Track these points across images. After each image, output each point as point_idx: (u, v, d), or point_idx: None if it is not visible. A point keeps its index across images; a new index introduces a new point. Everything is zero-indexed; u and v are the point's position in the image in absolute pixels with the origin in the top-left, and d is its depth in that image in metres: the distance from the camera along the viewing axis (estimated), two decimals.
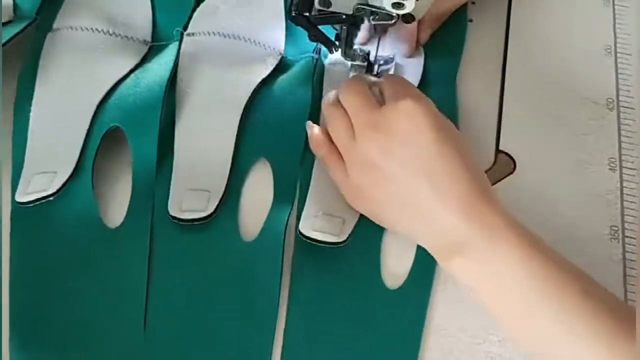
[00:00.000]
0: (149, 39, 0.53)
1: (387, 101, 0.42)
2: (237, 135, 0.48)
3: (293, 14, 0.46)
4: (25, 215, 0.44)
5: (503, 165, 0.49)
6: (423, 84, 0.51)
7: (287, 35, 0.53)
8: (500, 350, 0.42)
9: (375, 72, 0.51)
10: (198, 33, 0.52)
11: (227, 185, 0.46)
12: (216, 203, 0.45)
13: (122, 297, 0.42)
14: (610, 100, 0.52)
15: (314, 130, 0.46)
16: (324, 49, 0.52)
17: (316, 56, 0.52)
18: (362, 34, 0.49)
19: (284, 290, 0.43)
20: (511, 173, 0.48)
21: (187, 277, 0.43)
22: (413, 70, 0.52)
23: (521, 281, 0.37)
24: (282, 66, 0.51)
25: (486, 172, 0.48)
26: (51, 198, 0.44)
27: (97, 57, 0.50)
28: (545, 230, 0.45)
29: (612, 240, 0.46)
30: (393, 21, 0.45)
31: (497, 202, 0.40)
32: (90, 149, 0.46)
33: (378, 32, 0.50)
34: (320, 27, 0.48)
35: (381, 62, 0.51)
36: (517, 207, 0.46)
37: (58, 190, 0.44)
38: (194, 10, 0.53)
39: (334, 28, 0.50)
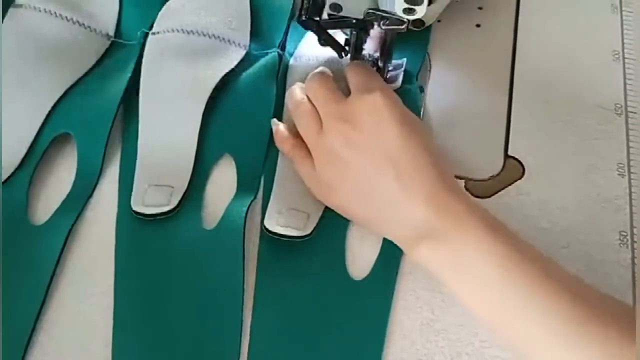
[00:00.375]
0: (111, 33, 0.53)
1: (353, 92, 0.44)
2: (200, 131, 0.48)
3: (303, 18, 0.46)
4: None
5: (512, 170, 0.49)
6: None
7: (252, 31, 0.54)
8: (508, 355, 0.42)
9: (384, 78, 0.51)
10: (162, 31, 0.52)
11: (190, 180, 0.47)
12: (179, 198, 0.45)
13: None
14: (619, 105, 0.52)
15: (279, 127, 0.47)
16: (288, 44, 0.53)
17: (281, 52, 0.53)
18: (371, 43, 0.49)
19: (251, 285, 0.43)
20: (520, 178, 0.48)
21: (150, 270, 0.43)
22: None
23: (486, 266, 0.37)
24: (246, 61, 0.52)
25: (495, 177, 0.49)
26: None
27: (56, 49, 0.50)
28: (554, 235, 0.45)
29: (621, 245, 0.46)
30: (404, 26, 0.45)
31: (460, 192, 0.40)
32: (36, 151, 0.47)
33: (387, 38, 0.50)
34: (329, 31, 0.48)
35: (390, 67, 0.52)
36: (526, 212, 0.46)
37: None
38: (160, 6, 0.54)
39: (344, 32, 0.51)
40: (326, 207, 0.45)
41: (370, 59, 0.51)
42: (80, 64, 0.51)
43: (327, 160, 0.43)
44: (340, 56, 0.50)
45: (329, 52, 0.51)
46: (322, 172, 0.43)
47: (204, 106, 0.49)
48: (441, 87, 0.53)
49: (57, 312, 0.42)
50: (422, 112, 0.51)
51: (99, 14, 0.53)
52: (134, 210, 0.45)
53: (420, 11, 0.42)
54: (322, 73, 0.47)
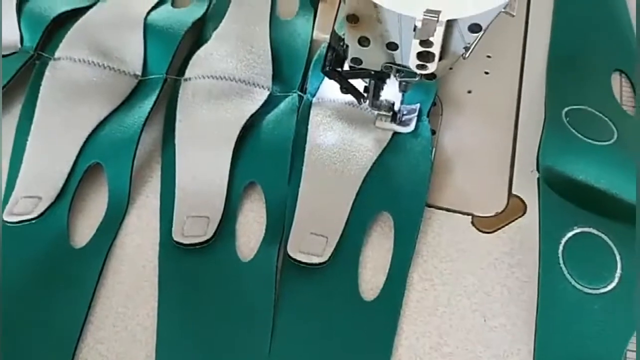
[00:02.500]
0: (139, 72, 0.59)
1: None
2: (231, 166, 0.54)
3: (327, 69, 0.52)
4: (9, 233, 0.50)
5: (515, 208, 0.53)
6: None
7: (274, 74, 0.59)
8: None
9: (398, 122, 0.56)
10: (194, 77, 0.59)
11: (224, 211, 0.52)
12: (214, 228, 0.51)
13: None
14: None
15: None
16: (309, 86, 0.59)
17: (301, 93, 0.58)
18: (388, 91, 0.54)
19: None
20: (522, 215, 0.53)
21: (190, 295, 0.48)
22: None
23: None
24: (270, 102, 0.58)
25: (499, 213, 0.53)
26: (33, 221, 0.50)
27: (90, 91, 0.57)
28: None
29: None
30: (417, 78, 0.50)
31: None
32: (72, 181, 0.52)
33: (402, 86, 0.55)
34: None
35: (405, 112, 0.57)
36: (528, 247, 0.51)
37: (40, 215, 0.50)
38: (178, 46, 0.60)
39: (363, 80, 0.56)
40: (342, 232, 0.51)
41: (386, 104, 0.56)
42: (110, 101, 0.57)
43: None
44: (360, 102, 0.55)
45: (349, 96, 0.56)
46: None
47: (233, 143, 0.55)
48: (452, 130, 0.58)
49: (102, 330, 0.47)
50: (434, 153, 0.56)
51: (128, 57, 0.60)
52: (174, 240, 0.50)
53: (432, 67, 0.47)
54: None
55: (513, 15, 0.44)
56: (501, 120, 0.59)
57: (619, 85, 0.61)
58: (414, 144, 0.56)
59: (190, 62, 0.60)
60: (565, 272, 0.48)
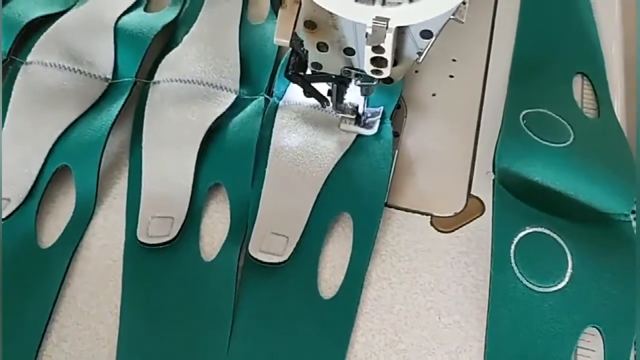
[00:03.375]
0: (109, 76, 0.61)
1: None
2: (196, 167, 0.55)
3: (290, 73, 0.53)
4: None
5: (473, 208, 0.55)
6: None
7: (242, 78, 0.61)
8: None
9: (362, 124, 0.57)
10: (163, 81, 0.60)
11: (188, 211, 0.53)
12: (179, 228, 0.52)
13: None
14: None
15: None
16: (276, 89, 0.60)
17: (268, 97, 0.60)
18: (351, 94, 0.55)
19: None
20: (480, 215, 0.54)
21: (153, 294, 0.50)
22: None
23: None
24: (237, 105, 0.59)
25: (458, 213, 0.55)
26: (2, 222, 0.52)
27: (60, 95, 0.58)
28: None
29: None
30: (375, 82, 0.51)
31: None
32: (41, 183, 0.54)
33: (363, 90, 0.57)
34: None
35: (368, 114, 0.58)
36: (484, 246, 0.52)
37: (9, 216, 0.52)
38: (148, 50, 0.61)
39: (327, 84, 0.57)
40: (303, 232, 0.52)
41: (350, 107, 0.57)
42: (80, 105, 0.58)
43: None
44: (323, 105, 0.57)
45: (313, 100, 0.58)
46: None
47: (198, 145, 0.56)
48: (415, 133, 0.59)
49: (66, 328, 0.49)
50: (396, 155, 0.57)
51: (98, 61, 0.61)
52: (139, 240, 0.52)
53: (386, 72, 0.48)
54: None
55: (462, 22, 0.45)
56: (464, 123, 0.60)
57: (580, 88, 0.62)
58: (376, 146, 0.57)
59: (160, 65, 0.61)
60: (517, 271, 0.49)
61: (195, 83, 0.60)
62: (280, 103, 0.60)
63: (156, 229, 0.52)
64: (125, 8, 0.65)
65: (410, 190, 0.56)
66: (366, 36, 0.44)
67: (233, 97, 0.60)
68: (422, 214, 0.54)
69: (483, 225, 0.54)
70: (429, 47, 0.47)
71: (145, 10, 0.67)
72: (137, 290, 0.50)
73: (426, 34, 0.45)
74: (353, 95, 0.56)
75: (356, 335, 0.49)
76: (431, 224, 0.54)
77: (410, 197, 0.56)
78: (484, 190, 0.56)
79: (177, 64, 0.61)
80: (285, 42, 0.48)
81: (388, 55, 0.46)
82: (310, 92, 0.55)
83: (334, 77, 0.53)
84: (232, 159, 0.56)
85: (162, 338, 0.48)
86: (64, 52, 0.60)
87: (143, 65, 0.61)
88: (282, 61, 0.63)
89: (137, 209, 0.53)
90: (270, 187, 0.55)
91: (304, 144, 0.57)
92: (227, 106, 0.59)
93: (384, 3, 0.42)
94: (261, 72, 0.62)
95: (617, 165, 0.54)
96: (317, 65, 0.52)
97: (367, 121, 0.58)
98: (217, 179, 0.56)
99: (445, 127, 0.60)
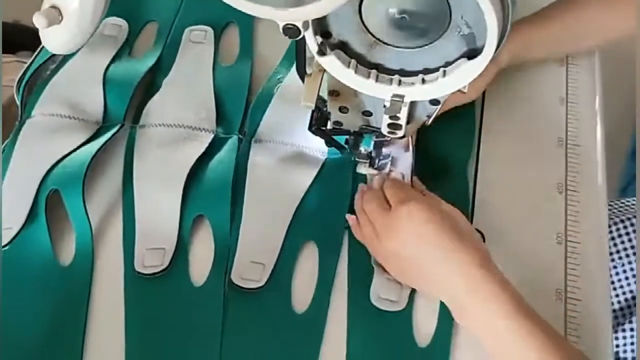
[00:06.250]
0: (100, 119, 0.68)
1: (393, 205, 0.57)
2: (182, 202, 0.63)
3: (313, 128, 0.61)
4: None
5: None
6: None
7: (218, 117, 0.69)
8: None
9: (375, 166, 0.65)
10: (148, 125, 0.68)
11: (177, 242, 0.61)
12: (170, 258, 0.60)
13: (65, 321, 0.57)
14: (560, 184, 0.67)
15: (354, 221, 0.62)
16: (247, 127, 0.69)
17: (241, 136, 0.68)
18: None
19: None
20: None
21: (151, 319, 0.58)
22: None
23: (506, 332, 0.51)
24: (215, 143, 0.67)
25: None
26: (6, 247, 0.59)
27: (55, 137, 0.66)
28: None
29: (557, 300, 0.60)
30: (389, 138, 0.59)
31: (491, 270, 0.53)
32: (39, 205, 0.61)
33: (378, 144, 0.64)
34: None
35: (380, 158, 0.66)
36: None
37: (11, 240, 0.59)
38: (134, 94, 0.69)
39: None
40: (277, 258, 0.61)
41: (364, 152, 0.65)
42: (72, 144, 0.66)
43: (384, 257, 0.58)
44: (342, 152, 0.65)
45: (285, 136, 0.68)
46: (386, 266, 0.59)
47: (183, 182, 0.64)
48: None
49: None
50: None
51: (90, 108, 0.69)
52: (136, 271, 0.60)
53: (400, 133, 0.56)
54: (371, 189, 0.62)
55: (464, 93, 0.53)
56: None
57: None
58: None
59: (144, 110, 0.69)
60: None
61: (177, 127, 0.68)
62: (253, 141, 0.68)
63: (150, 259, 0.60)
64: (111, 56, 0.73)
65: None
66: (384, 107, 0.52)
67: (211, 136, 0.67)
68: None
69: None
70: (437, 111, 0.56)
71: (130, 54, 0.75)
72: (138, 313, 0.58)
73: (434, 102, 0.54)
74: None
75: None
76: None
77: None
78: (483, 222, 0.64)
79: (159, 110, 0.69)
80: (311, 105, 0.56)
81: (403, 121, 0.54)
82: (330, 142, 0.64)
83: (352, 132, 0.61)
84: (211, 193, 0.64)
85: (162, 354, 0.56)
86: (61, 102, 0.69)
87: (130, 108, 0.69)
88: (254, 101, 0.71)
89: (133, 242, 0.61)
90: (248, 220, 0.63)
91: (275, 178, 0.66)
92: (206, 145, 0.67)
93: (400, 83, 0.50)
94: (234, 110, 0.70)
95: None
96: (338, 123, 0.60)
97: (379, 163, 0.66)
98: (200, 211, 0.63)
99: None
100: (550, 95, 0.73)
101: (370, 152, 0.65)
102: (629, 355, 0.83)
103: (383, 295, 0.59)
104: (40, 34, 0.47)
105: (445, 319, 0.58)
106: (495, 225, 0.64)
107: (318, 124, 0.61)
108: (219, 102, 0.70)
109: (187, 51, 0.75)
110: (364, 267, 0.61)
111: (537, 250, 0.63)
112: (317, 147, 0.68)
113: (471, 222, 0.64)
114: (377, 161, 0.66)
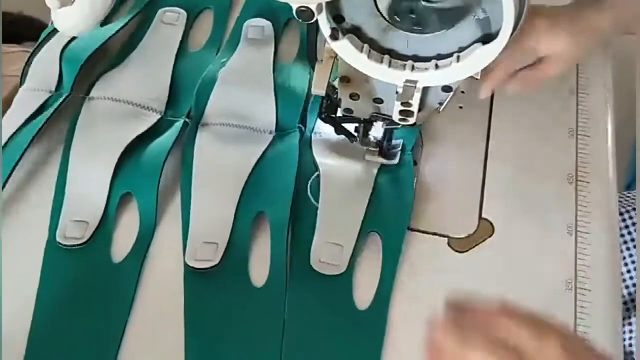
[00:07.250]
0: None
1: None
2: (113, 179, 0.62)
3: (323, 116, 0.61)
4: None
5: (484, 230, 0.63)
6: None
7: (169, 102, 0.69)
8: None
9: (384, 155, 0.65)
10: (98, 98, 0.68)
11: (102, 217, 0.61)
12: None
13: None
14: (571, 175, 0.66)
15: None
16: (196, 115, 0.68)
17: (188, 120, 0.67)
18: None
19: None
20: (490, 236, 0.62)
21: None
22: None
23: None
24: (160, 125, 0.67)
25: (471, 235, 0.63)
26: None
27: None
28: (513, 279, 0.59)
29: (568, 291, 0.60)
30: (400, 126, 0.59)
31: None
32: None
33: (388, 132, 0.64)
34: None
35: (390, 147, 0.66)
36: (494, 262, 0.60)
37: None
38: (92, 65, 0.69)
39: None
40: (230, 236, 0.60)
41: (374, 141, 0.65)
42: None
43: None
44: (352, 141, 0.64)
45: (233, 118, 0.67)
46: None
47: (117, 158, 0.63)
48: (431, 161, 0.67)
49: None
50: (415, 182, 0.65)
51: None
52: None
53: (412, 120, 0.56)
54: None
55: (477, 79, 0.53)
56: (473, 150, 0.68)
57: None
58: (399, 174, 0.65)
59: (97, 83, 0.69)
60: None
61: (125, 103, 0.68)
62: (200, 125, 0.67)
63: (72, 231, 0.60)
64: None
65: (429, 214, 0.64)
66: (397, 93, 0.52)
67: (157, 117, 0.67)
68: (440, 235, 0.62)
69: (494, 245, 0.62)
70: (449, 99, 0.55)
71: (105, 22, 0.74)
72: (54, 283, 0.58)
73: (447, 89, 0.53)
74: (377, 129, 0.64)
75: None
76: (448, 244, 0.62)
77: (428, 220, 0.64)
78: (494, 213, 0.64)
79: (113, 84, 0.69)
80: (322, 92, 0.55)
81: (415, 108, 0.54)
82: (340, 130, 0.63)
83: (363, 120, 0.61)
84: (141, 172, 0.64)
85: (71, 326, 0.56)
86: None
87: (87, 79, 0.69)
88: (197, 86, 0.69)
89: (59, 213, 0.62)
90: (197, 202, 0.62)
91: (222, 158, 0.65)
92: (149, 125, 0.66)
93: (413, 69, 0.50)
94: (187, 96, 0.69)
95: None
96: (349, 110, 0.59)
97: (389, 152, 0.66)
98: (127, 189, 0.63)
99: (457, 155, 0.68)
100: (561, 85, 0.73)
101: (380, 142, 0.65)
102: (635, 349, 0.83)
103: (324, 259, 0.59)
104: (52, 15, 0.47)
105: (385, 283, 0.59)
106: (506, 216, 0.64)
107: (328, 111, 0.61)
108: (175, 86, 0.70)
109: (157, 31, 0.75)
110: (305, 230, 0.61)
111: (547, 241, 0.62)
112: (265, 126, 0.67)
113: (480, 213, 0.64)
114: (387, 151, 0.66)
